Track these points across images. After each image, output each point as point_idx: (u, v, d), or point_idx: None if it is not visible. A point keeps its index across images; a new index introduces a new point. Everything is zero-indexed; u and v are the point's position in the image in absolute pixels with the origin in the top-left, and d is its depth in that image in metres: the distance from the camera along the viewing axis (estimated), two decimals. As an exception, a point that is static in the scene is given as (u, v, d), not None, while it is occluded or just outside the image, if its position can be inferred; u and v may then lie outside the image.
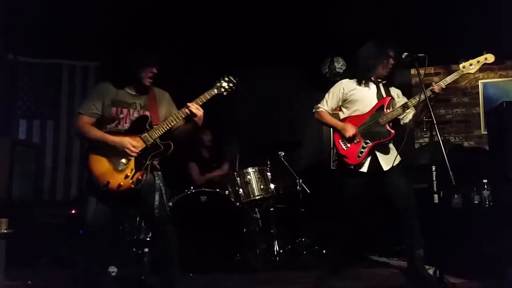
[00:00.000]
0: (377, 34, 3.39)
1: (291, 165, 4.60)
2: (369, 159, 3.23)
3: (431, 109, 2.81)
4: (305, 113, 5.66)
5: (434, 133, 2.79)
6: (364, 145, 3.21)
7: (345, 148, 3.25)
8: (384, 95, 3.31)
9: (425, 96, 2.89)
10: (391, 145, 3.32)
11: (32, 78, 5.17)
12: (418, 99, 3.07)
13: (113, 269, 3.34)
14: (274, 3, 4.56)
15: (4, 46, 4.90)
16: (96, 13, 4.46)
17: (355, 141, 3.23)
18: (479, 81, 5.39)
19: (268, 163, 4.46)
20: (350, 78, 3.40)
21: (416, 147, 5.40)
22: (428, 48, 2.98)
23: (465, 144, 5.37)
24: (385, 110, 3.24)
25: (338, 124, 3.33)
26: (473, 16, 4.56)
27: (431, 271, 3.03)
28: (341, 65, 5.46)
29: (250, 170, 4.25)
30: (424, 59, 2.92)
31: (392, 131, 3.19)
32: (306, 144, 5.35)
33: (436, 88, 3.05)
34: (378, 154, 3.24)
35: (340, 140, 3.29)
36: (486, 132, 5.06)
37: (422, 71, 2.98)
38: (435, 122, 2.76)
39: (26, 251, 3.67)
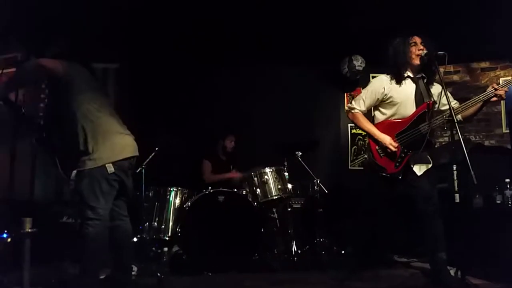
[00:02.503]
0: (395, 31, 3.32)
1: (308, 165, 4.58)
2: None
3: (452, 108, 2.77)
4: (322, 112, 5.69)
5: (454, 131, 2.75)
6: (403, 155, 3.09)
7: (382, 157, 3.14)
8: (425, 97, 3.12)
9: (447, 96, 2.85)
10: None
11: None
12: (468, 104, 3.02)
13: (133, 269, 3.37)
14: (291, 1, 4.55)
15: (26, 48, 4.99)
16: (116, 14, 4.52)
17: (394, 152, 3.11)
18: (501, 79, 5.29)
19: (285, 163, 4.45)
20: (387, 74, 3.23)
21: (436, 146, 5.33)
22: (447, 46, 2.93)
23: (486, 143, 5.28)
24: (427, 117, 3.06)
25: (378, 134, 3.15)
26: (493, 13, 4.48)
27: (452, 272, 2.99)
28: (360, 63, 5.40)
29: (267, 170, 4.24)
30: (444, 57, 2.86)
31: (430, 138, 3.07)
32: (323, 144, 5.33)
33: (501, 92, 2.94)
34: (411, 161, 3.12)
35: (376, 148, 3.16)
36: (507, 131, 4.98)
37: (441, 69, 2.94)
38: (456, 121, 2.72)
39: (48, 250, 3.73)
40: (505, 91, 2.97)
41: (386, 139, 3.10)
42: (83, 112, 2.84)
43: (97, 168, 2.80)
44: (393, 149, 3.07)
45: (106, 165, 2.81)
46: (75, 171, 2.80)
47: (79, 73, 2.90)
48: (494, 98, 2.98)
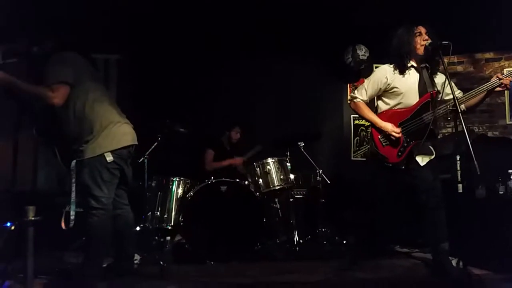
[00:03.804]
0: (399, 21, 3.29)
1: (311, 155, 4.58)
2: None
3: (456, 98, 2.75)
4: (325, 103, 5.67)
5: (458, 122, 2.73)
6: (405, 144, 3.07)
7: (384, 146, 3.13)
8: (428, 87, 3.10)
9: (451, 86, 2.83)
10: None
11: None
12: (472, 94, 2.98)
13: (135, 257, 3.39)
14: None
15: (29, 39, 4.97)
16: (117, 5, 4.50)
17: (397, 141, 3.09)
18: (505, 70, 5.25)
19: (288, 153, 4.44)
20: (391, 64, 3.19)
21: (439, 137, 5.32)
22: (451, 36, 2.90)
23: (489, 134, 5.27)
24: (430, 106, 3.04)
25: (380, 122, 3.14)
26: (498, 4, 4.45)
27: (454, 262, 3.00)
28: (364, 52, 5.36)
29: (269, 160, 4.24)
30: (449, 47, 2.83)
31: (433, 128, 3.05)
32: (326, 134, 5.33)
33: (506, 82, 2.91)
34: (415, 150, 3.10)
35: (379, 137, 3.15)
36: (511, 122, 4.96)
37: (446, 60, 2.91)
38: (460, 111, 2.70)
39: (51, 240, 3.75)
40: (510, 81, 2.95)
41: (388, 126, 3.09)
42: (82, 102, 2.84)
43: (96, 157, 2.81)
44: (396, 135, 3.06)
45: (105, 153, 2.82)
46: (74, 161, 2.81)
47: (79, 64, 2.90)
48: (499, 88, 2.96)
